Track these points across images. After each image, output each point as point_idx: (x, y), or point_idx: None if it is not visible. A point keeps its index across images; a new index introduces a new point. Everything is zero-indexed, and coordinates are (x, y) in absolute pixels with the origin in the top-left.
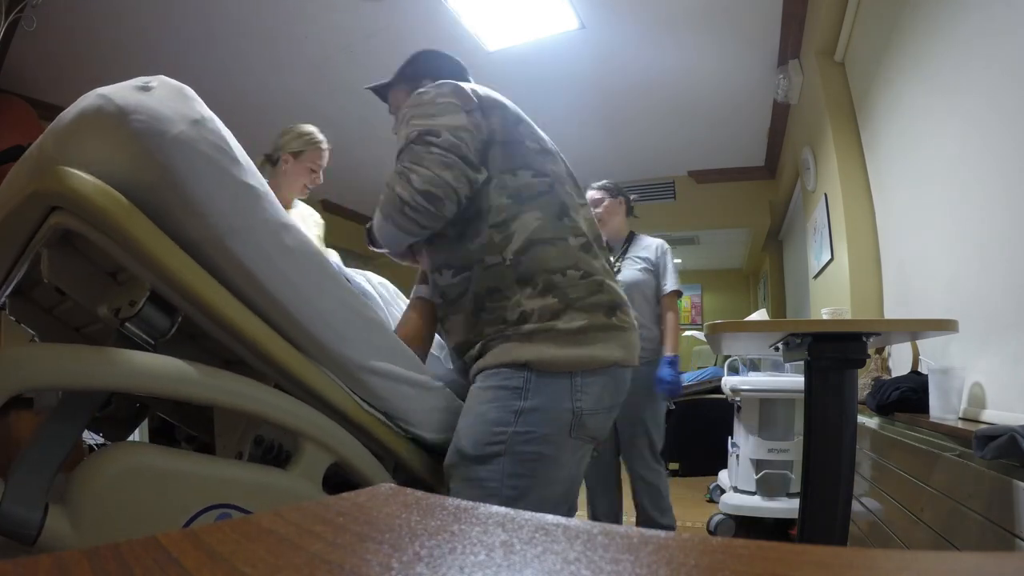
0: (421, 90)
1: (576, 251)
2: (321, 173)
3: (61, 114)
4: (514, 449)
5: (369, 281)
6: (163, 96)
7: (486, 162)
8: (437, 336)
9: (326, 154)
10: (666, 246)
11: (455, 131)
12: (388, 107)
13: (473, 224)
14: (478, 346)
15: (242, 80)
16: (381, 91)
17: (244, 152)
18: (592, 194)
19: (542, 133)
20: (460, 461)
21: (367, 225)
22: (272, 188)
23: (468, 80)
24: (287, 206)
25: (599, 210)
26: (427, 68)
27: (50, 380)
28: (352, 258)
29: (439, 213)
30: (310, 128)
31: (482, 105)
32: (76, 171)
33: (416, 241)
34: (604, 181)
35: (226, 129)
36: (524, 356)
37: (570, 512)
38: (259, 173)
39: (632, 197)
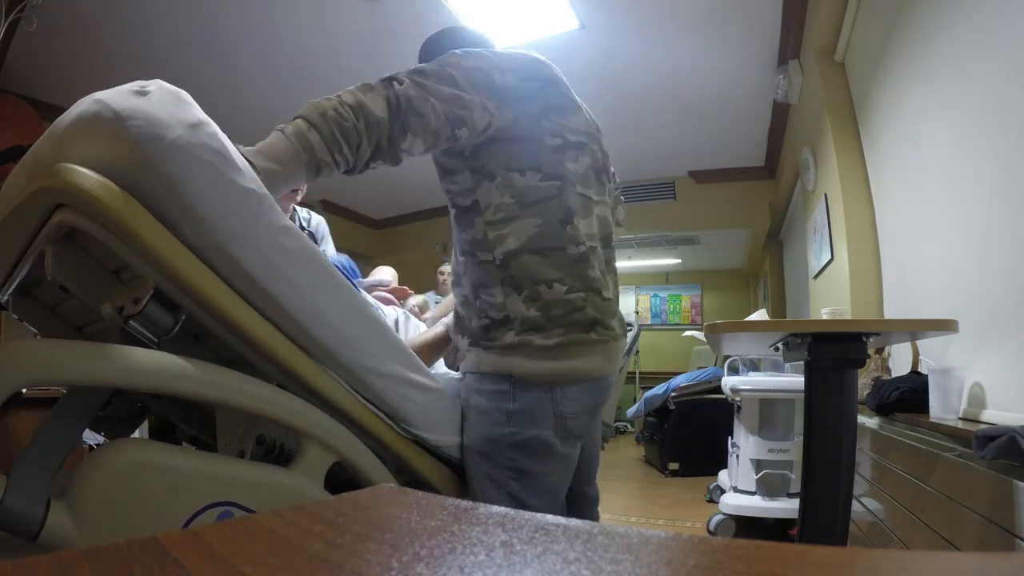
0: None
1: (571, 263)
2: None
3: (57, 119)
4: (514, 441)
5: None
6: (160, 100)
7: (488, 154)
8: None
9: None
10: None
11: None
12: None
13: (467, 214)
14: (466, 339)
15: (242, 80)
16: None
17: (241, 156)
18: None
19: (574, 120)
20: (473, 459)
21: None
22: None
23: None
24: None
25: None
26: (441, 51)
27: (52, 376)
28: (353, 258)
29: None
30: None
31: (501, 95)
32: (81, 168)
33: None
34: None
35: (223, 133)
36: (505, 369)
37: (563, 510)
38: (257, 177)
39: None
